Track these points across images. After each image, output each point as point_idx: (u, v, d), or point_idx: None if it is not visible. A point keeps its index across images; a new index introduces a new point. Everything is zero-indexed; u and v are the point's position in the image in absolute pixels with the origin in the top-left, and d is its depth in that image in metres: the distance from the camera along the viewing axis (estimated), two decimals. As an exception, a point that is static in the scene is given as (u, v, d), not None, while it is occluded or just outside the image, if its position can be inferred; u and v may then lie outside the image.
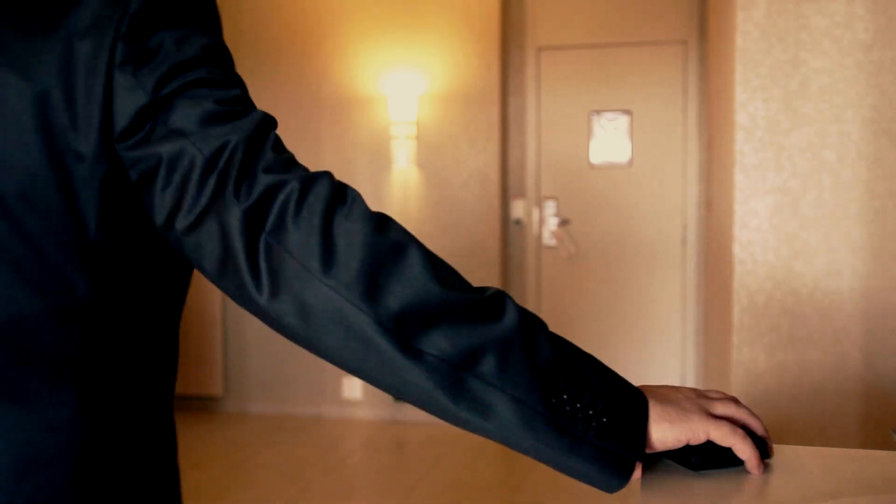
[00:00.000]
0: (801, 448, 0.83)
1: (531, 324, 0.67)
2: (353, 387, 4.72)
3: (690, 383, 4.54)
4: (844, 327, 2.42)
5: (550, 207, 4.66)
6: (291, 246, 0.64)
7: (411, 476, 3.75)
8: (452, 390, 0.64)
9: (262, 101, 4.67)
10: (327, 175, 0.68)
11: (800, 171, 2.44)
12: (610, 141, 4.58)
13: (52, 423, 0.67)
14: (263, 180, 0.65)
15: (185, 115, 0.65)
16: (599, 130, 4.60)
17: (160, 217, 0.66)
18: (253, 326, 4.80)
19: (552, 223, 4.65)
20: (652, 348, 4.59)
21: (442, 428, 4.47)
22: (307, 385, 4.78)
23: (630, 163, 4.56)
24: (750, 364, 2.49)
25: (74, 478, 0.67)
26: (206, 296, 4.83)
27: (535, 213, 4.67)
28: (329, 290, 0.63)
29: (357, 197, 0.69)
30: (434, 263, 0.66)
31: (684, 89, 4.49)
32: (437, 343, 0.63)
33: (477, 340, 0.64)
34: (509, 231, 4.72)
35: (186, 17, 0.67)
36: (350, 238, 0.64)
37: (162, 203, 0.65)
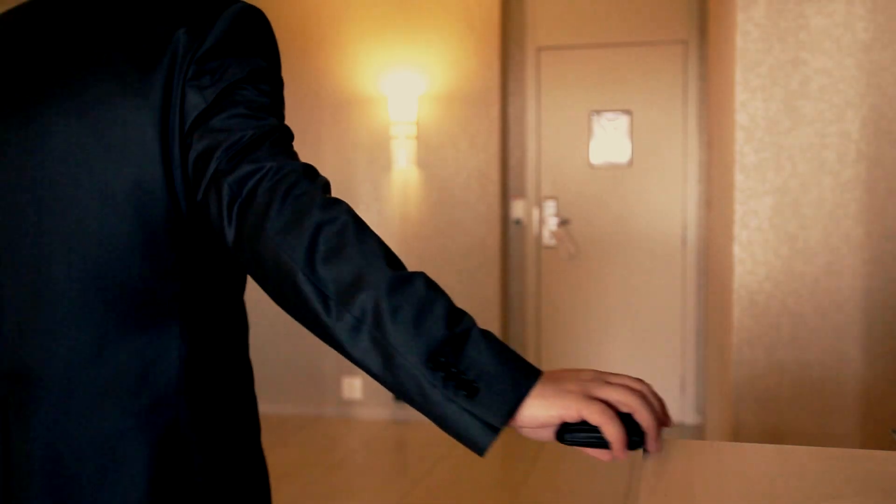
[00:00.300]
0: (801, 448, 0.82)
1: (432, 296, 0.78)
2: (353, 387, 4.72)
3: (690, 383, 4.54)
4: (844, 327, 2.42)
5: (550, 207, 4.66)
6: (255, 210, 0.81)
7: (411, 476, 3.75)
8: (352, 338, 0.77)
9: (262, 101, 4.53)
10: (304, 164, 0.85)
11: (800, 171, 2.44)
12: (610, 141, 4.58)
13: (164, 349, 0.91)
14: (249, 163, 0.83)
15: (221, 116, 0.86)
16: (599, 130, 4.60)
17: (193, 191, 0.88)
18: (253, 327, 4.80)
19: (552, 223, 4.65)
20: (652, 348, 4.59)
21: (442, 428, 4.46)
22: (307, 385, 4.78)
23: (630, 163, 4.56)
24: (750, 364, 2.49)
25: (185, 389, 0.92)
26: (206, 296, 4.83)
27: (535, 213, 4.67)
28: (275, 245, 0.79)
29: (321, 183, 0.84)
30: (364, 237, 0.80)
31: (684, 89, 4.49)
32: (348, 300, 0.77)
33: (378, 302, 0.76)
34: (509, 231, 4.72)
35: (245, 48, 0.90)
36: (300, 209, 0.80)
37: (194, 180, 0.87)
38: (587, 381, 0.76)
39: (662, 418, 0.76)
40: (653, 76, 4.52)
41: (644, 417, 0.75)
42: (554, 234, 4.65)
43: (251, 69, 0.89)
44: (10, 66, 0.91)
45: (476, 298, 4.47)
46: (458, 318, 0.77)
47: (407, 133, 4.53)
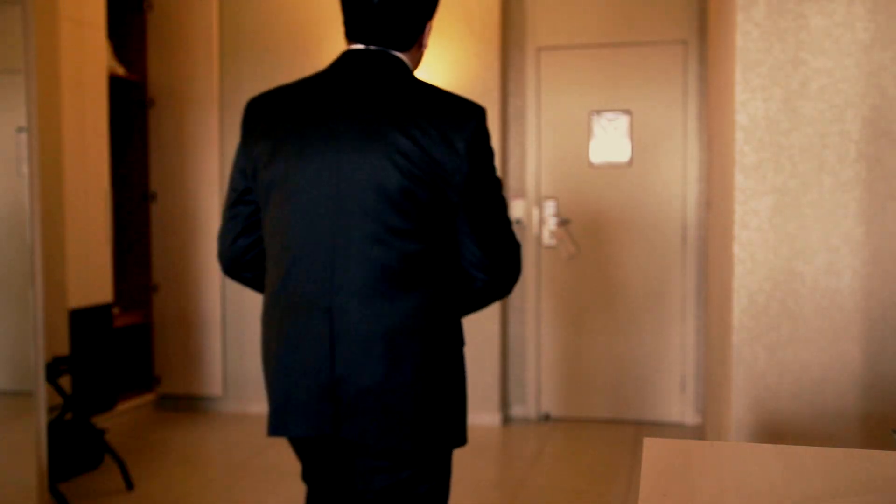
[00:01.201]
0: (801, 448, 0.82)
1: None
2: (353, 387, 4.71)
3: (690, 383, 4.54)
4: (844, 327, 2.42)
5: (550, 207, 4.66)
6: (502, 263, 1.66)
7: (411, 476, 3.75)
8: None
9: (262, 101, 4.40)
10: (517, 243, 1.70)
11: (800, 171, 2.44)
12: (610, 141, 4.58)
13: (420, 300, 1.57)
14: (498, 236, 1.63)
15: (481, 191, 1.58)
16: (599, 130, 4.60)
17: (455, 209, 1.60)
18: (253, 327, 4.80)
19: (552, 223, 4.65)
20: (652, 348, 4.59)
21: (442, 428, 4.46)
22: (307, 385, 4.77)
23: (630, 163, 4.56)
24: (750, 364, 2.49)
25: (433, 323, 1.59)
26: (207, 296, 4.83)
27: (535, 213, 4.67)
28: (506, 282, 1.69)
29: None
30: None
31: (684, 89, 4.49)
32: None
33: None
34: (509, 231, 4.71)
35: (486, 142, 1.60)
36: (508, 253, 1.66)
37: (466, 210, 1.61)
38: None
39: None
40: (653, 76, 4.52)
41: None
42: (554, 234, 4.64)
43: (489, 157, 1.61)
44: (347, 109, 1.57)
45: (476, 298, 4.46)
46: None
47: (407, 133, 4.52)
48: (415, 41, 1.66)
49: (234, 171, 1.69)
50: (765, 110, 2.45)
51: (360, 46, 1.64)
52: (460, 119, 1.56)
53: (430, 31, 1.69)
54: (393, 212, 1.52)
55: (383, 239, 1.53)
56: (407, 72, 1.63)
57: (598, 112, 4.59)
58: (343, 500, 1.72)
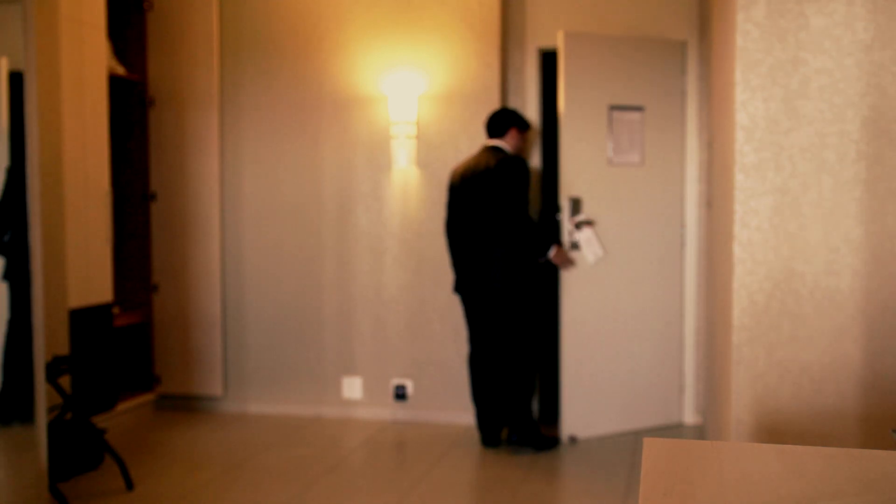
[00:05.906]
0: (801, 448, 0.82)
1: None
2: (353, 387, 4.71)
3: (690, 383, 4.53)
4: (844, 327, 2.42)
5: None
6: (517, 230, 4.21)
7: (411, 476, 3.75)
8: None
9: (264, 100, 4.63)
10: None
11: (800, 171, 2.44)
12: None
13: (494, 237, 4.01)
14: (520, 216, 4.05)
15: (509, 198, 3.98)
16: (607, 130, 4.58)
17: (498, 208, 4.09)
18: (253, 327, 4.80)
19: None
20: (652, 348, 4.58)
21: (442, 428, 4.46)
22: (307, 385, 4.78)
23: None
24: (750, 364, 2.49)
25: (501, 251, 4.02)
26: (207, 296, 4.83)
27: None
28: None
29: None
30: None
31: (684, 89, 4.49)
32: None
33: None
34: (509, 231, 4.71)
35: (506, 174, 4.01)
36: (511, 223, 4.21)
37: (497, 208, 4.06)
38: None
39: None
40: (653, 76, 4.51)
41: None
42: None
43: (507, 181, 3.97)
44: (469, 183, 4.06)
45: (476, 298, 4.46)
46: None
47: (407, 133, 4.53)
48: (504, 136, 4.08)
49: (450, 192, 4.13)
50: (765, 110, 2.45)
51: (491, 142, 4.07)
52: (501, 168, 3.95)
53: (513, 134, 4.12)
54: (484, 204, 3.94)
55: (481, 217, 3.96)
56: (501, 150, 4.04)
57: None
58: (483, 318, 4.10)
